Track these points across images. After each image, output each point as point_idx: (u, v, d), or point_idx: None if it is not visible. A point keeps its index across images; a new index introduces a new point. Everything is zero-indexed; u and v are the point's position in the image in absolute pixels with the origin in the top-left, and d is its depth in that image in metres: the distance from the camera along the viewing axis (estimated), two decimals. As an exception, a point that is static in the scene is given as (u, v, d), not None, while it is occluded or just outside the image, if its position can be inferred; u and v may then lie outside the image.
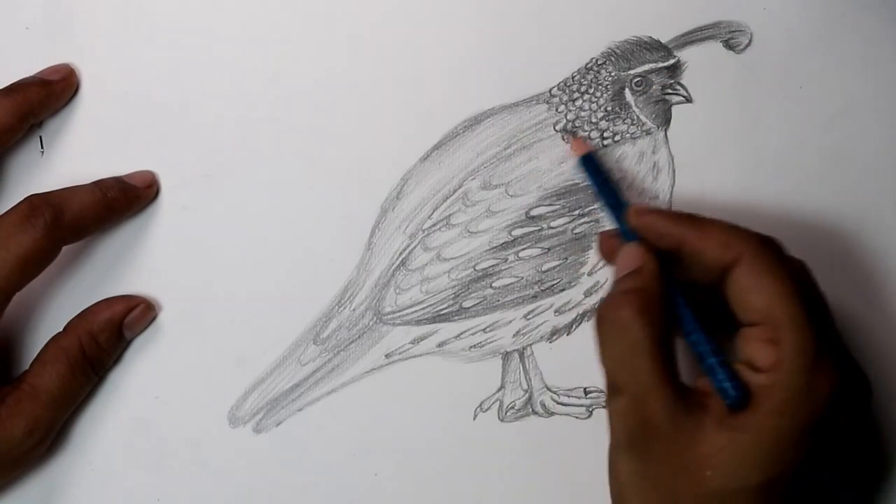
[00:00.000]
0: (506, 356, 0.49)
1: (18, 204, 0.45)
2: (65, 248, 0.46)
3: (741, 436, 0.39)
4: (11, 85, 0.47)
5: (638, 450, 0.41)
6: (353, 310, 0.49)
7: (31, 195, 0.45)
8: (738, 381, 0.40)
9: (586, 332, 0.49)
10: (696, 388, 0.41)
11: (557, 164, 0.49)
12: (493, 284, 0.48)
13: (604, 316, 0.42)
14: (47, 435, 0.45)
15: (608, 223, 0.49)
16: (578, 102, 0.49)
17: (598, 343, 0.42)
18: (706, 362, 0.41)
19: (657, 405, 0.40)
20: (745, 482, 0.39)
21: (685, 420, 0.40)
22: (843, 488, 0.43)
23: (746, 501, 0.39)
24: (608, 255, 0.46)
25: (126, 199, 0.47)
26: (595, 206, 0.49)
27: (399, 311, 0.49)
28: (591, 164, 0.47)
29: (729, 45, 0.49)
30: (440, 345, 0.48)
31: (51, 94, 0.48)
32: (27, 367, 0.46)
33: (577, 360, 0.48)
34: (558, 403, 0.48)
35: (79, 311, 0.47)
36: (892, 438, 0.48)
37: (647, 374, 0.40)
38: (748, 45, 0.49)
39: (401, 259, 0.49)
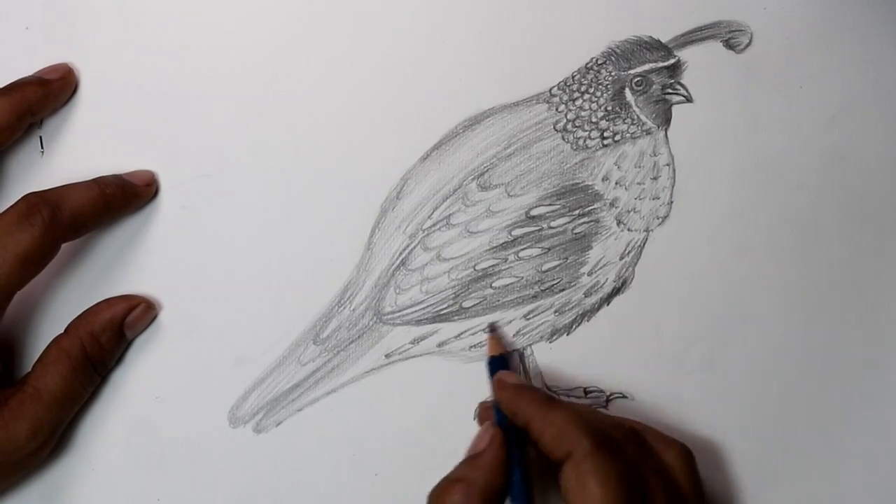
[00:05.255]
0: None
1: (16, 203, 0.45)
2: (65, 248, 0.46)
3: None
4: (9, 84, 0.47)
5: None
6: (353, 310, 0.49)
7: (29, 193, 0.45)
8: None
9: (586, 333, 0.49)
10: None
11: (558, 164, 0.49)
12: (493, 284, 0.48)
13: (432, 500, 0.42)
14: (51, 437, 0.45)
15: (608, 223, 0.49)
16: (578, 102, 0.49)
17: None
18: None
19: None
20: None
21: None
22: None
23: None
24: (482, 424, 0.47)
25: (124, 196, 0.47)
26: (595, 205, 0.49)
27: (399, 311, 0.49)
28: (500, 366, 0.47)
29: (729, 45, 0.49)
30: (440, 345, 0.48)
31: (49, 92, 0.48)
32: (29, 368, 0.46)
33: (577, 360, 0.48)
34: (558, 403, 0.48)
35: (79, 312, 0.47)
36: None
37: None
38: (748, 45, 0.49)
39: (401, 259, 0.49)
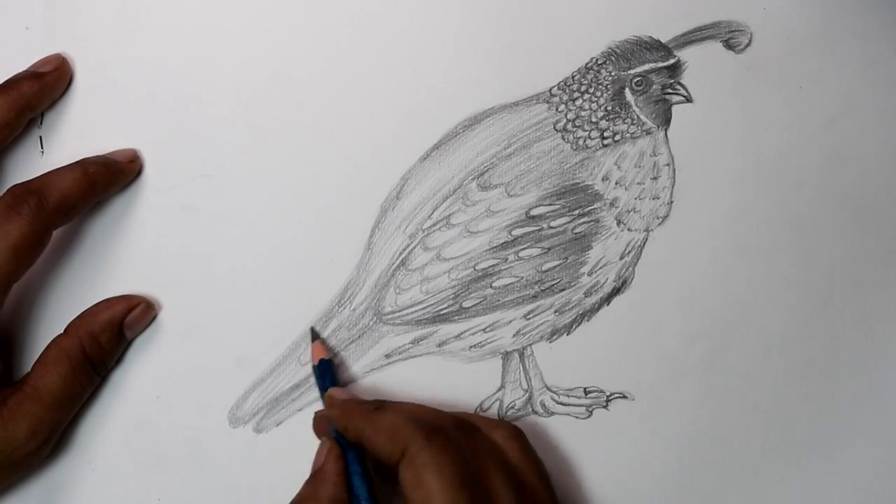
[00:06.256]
0: (506, 356, 0.49)
1: (1, 196, 0.44)
2: (64, 247, 0.46)
3: None
4: (5, 82, 0.47)
5: None
6: (353, 310, 0.49)
7: (13, 185, 0.45)
8: None
9: (586, 332, 0.49)
10: None
11: (558, 164, 0.49)
12: (493, 284, 0.48)
13: None
14: (50, 437, 0.45)
15: (608, 223, 0.49)
16: (578, 102, 0.49)
17: None
18: None
19: None
20: None
21: None
22: None
23: None
24: (320, 436, 0.46)
25: (108, 173, 0.47)
26: (595, 205, 0.49)
27: (399, 311, 0.49)
28: (326, 369, 0.47)
29: (729, 45, 0.49)
30: (440, 345, 0.48)
31: (45, 85, 0.48)
32: (29, 368, 0.46)
33: (577, 360, 0.48)
34: (558, 403, 0.48)
35: (79, 312, 0.47)
36: None
37: None
38: (748, 45, 0.49)
39: (401, 259, 0.49)
